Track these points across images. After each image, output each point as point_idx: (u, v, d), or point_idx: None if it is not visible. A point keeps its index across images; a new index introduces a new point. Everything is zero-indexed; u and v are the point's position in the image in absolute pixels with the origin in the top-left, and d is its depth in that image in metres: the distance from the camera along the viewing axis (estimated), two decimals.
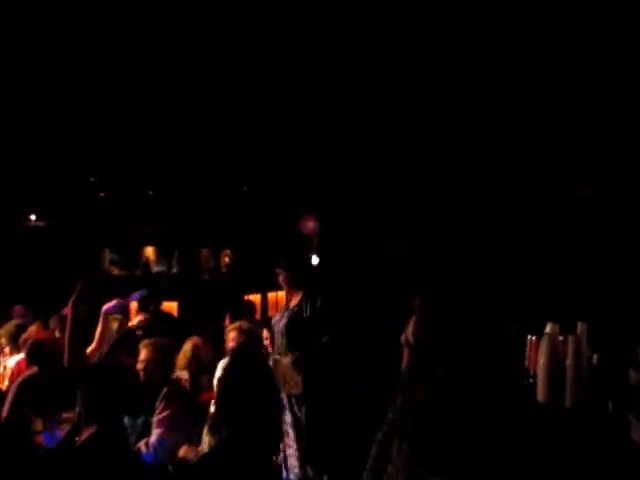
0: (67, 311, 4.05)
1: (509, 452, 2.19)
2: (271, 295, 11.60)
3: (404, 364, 2.57)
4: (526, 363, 3.40)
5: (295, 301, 5.10)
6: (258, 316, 9.10)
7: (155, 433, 3.95)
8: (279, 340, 4.96)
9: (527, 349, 3.44)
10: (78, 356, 3.94)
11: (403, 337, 3.50)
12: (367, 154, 9.69)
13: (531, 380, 3.18)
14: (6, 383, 5.09)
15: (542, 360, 3.06)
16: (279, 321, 5.10)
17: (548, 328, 3.17)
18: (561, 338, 3.15)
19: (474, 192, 9.35)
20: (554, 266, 7.77)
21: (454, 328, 2.28)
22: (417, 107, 8.02)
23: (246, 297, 11.13)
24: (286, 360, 4.76)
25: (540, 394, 3.00)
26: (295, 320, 4.92)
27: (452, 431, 2.17)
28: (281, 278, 5.23)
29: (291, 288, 5.21)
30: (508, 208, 8.86)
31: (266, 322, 5.81)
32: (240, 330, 4.92)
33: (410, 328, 3.38)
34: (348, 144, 9.79)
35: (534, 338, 3.39)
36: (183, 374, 4.99)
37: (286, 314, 5.07)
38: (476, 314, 2.31)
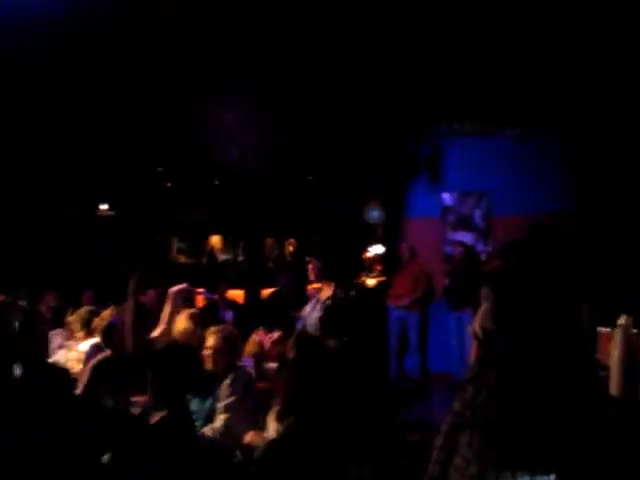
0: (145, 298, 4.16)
1: (583, 443, 2.14)
2: None
3: (473, 357, 2.53)
4: (597, 356, 3.32)
5: (327, 293, 4.85)
6: None
7: (221, 419, 4.01)
8: (312, 333, 4.74)
9: (599, 342, 3.36)
10: (141, 341, 4.03)
11: (471, 329, 3.44)
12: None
13: (603, 373, 3.10)
14: (80, 367, 5.24)
15: (616, 352, 2.99)
16: (310, 313, 4.85)
17: (622, 320, 3.08)
18: (635, 331, 3.07)
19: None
20: (630, 257, 7.54)
21: (527, 317, 2.22)
22: None
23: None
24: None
25: (614, 387, 2.93)
26: (330, 311, 4.71)
27: (527, 421, 2.13)
28: (310, 268, 4.95)
29: (321, 279, 4.92)
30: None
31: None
32: None
33: (478, 320, 3.30)
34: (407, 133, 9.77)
35: (607, 330, 3.30)
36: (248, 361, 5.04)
37: (318, 306, 4.83)
38: (550, 302, 2.25)
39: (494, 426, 2.19)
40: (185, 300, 5.04)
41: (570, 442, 2.14)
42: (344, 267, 4.96)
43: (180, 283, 4.62)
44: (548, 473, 2.21)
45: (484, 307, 2.46)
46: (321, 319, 4.65)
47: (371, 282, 13.84)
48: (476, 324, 3.24)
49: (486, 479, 2.21)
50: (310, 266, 4.93)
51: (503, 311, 2.25)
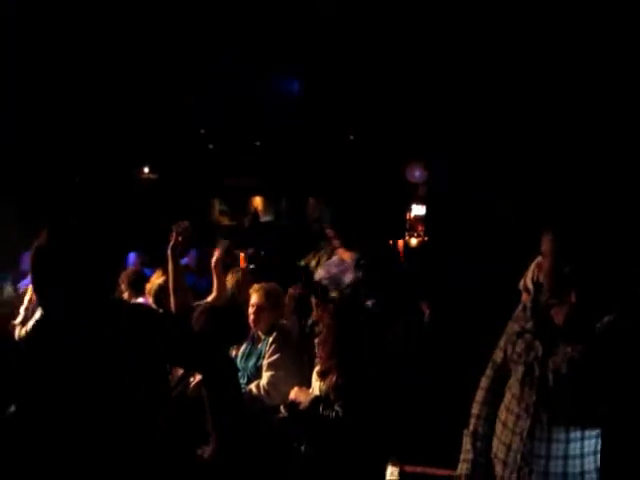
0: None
1: (635, 401, 2.08)
2: None
3: (520, 310, 2.47)
4: None
5: (346, 255, 4.53)
6: None
7: (266, 375, 4.02)
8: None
9: None
10: (182, 301, 4.04)
11: (522, 283, 3.38)
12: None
13: None
14: None
15: None
16: (340, 275, 4.51)
17: None
18: None
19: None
20: None
21: (589, 273, 2.14)
22: None
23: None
24: None
25: None
26: (372, 271, 4.31)
27: (585, 377, 2.07)
28: (329, 233, 4.54)
29: (343, 246, 4.56)
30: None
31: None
32: None
33: (530, 274, 3.24)
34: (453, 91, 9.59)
35: None
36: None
37: (349, 267, 4.39)
38: (611, 259, 2.17)
39: (550, 382, 2.14)
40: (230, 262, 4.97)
41: (623, 400, 2.09)
42: (365, 233, 4.57)
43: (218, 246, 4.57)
44: (598, 428, 2.17)
45: (536, 262, 2.39)
46: (368, 279, 4.36)
47: (413, 242, 13.76)
48: (527, 278, 3.18)
49: (537, 434, 2.17)
50: (328, 233, 4.60)
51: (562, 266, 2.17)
